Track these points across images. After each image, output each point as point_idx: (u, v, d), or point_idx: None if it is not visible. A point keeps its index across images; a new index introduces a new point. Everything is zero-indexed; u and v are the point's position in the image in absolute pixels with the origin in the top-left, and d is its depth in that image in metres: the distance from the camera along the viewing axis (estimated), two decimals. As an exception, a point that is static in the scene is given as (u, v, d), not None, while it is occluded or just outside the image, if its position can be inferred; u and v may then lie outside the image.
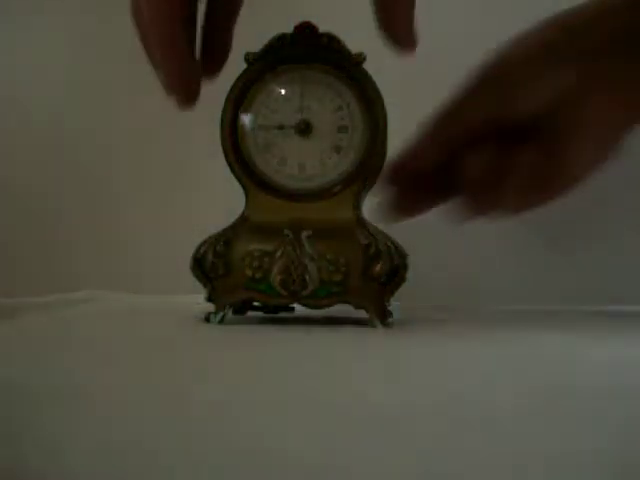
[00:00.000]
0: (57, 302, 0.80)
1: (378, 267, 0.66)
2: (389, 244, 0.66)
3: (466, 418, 0.35)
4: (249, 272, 0.67)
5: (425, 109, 1.04)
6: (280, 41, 0.68)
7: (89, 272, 1.08)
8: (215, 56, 0.64)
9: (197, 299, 0.72)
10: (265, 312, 0.71)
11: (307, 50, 0.68)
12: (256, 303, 0.69)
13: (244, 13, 1.07)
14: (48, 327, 0.63)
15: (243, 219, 0.68)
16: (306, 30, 0.68)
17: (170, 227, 1.08)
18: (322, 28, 0.68)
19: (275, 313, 0.71)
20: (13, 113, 1.14)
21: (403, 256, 0.66)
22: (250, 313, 0.71)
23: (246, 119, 0.69)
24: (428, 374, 0.46)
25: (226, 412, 0.35)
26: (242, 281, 0.67)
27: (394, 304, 0.68)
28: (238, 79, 0.68)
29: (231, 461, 0.29)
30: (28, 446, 0.29)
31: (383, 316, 0.66)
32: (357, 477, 0.28)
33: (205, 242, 0.68)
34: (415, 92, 1.02)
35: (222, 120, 0.68)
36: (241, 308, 0.70)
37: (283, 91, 0.68)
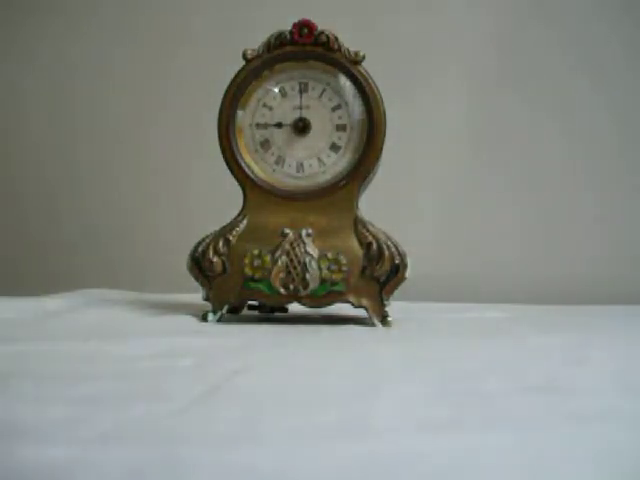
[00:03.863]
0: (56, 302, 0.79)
1: (379, 266, 0.66)
2: (389, 243, 0.66)
3: (466, 416, 0.35)
4: (249, 271, 0.66)
5: (424, 108, 1.04)
6: (278, 39, 0.67)
7: (89, 272, 1.08)
8: None
9: (194, 298, 0.72)
10: (260, 312, 0.70)
11: (305, 48, 0.67)
12: (251, 302, 0.69)
13: (243, 10, 1.07)
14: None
15: (241, 218, 0.68)
16: (304, 28, 0.67)
17: (168, 226, 1.07)
18: (321, 26, 0.68)
19: (270, 312, 0.71)
20: (12, 114, 1.14)
21: (403, 256, 0.66)
22: (244, 312, 0.71)
23: (243, 117, 0.68)
24: (427, 373, 0.45)
25: (224, 406, 0.35)
26: (241, 280, 0.67)
27: (393, 303, 0.68)
28: (235, 76, 0.68)
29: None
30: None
31: (382, 315, 0.66)
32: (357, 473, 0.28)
33: (203, 241, 0.68)
34: (414, 91, 1.02)
35: (219, 118, 0.68)
36: (236, 307, 0.69)
37: (281, 89, 0.68)
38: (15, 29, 1.13)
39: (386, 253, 0.66)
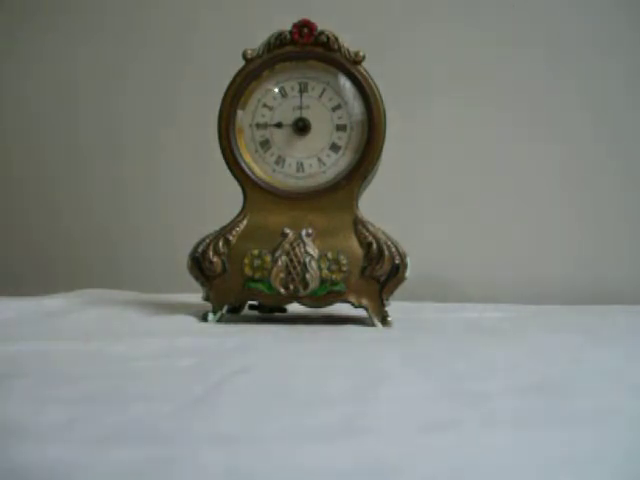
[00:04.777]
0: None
1: (379, 266, 0.66)
2: (389, 243, 0.66)
3: (466, 416, 0.35)
4: (249, 271, 0.67)
5: (425, 108, 1.04)
6: (278, 39, 0.67)
7: (89, 272, 1.08)
8: None
9: (194, 298, 0.72)
10: (260, 312, 0.70)
11: (305, 48, 0.67)
12: (252, 302, 0.69)
13: (243, 10, 1.07)
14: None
15: (241, 218, 0.68)
16: (305, 28, 0.67)
17: (168, 227, 1.07)
18: (321, 26, 0.68)
19: (270, 312, 0.71)
20: (15, 114, 1.14)
21: (403, 256, 0.66)
22: (244, 312, 0.71)
23: (243, 117, 0.69)
24: (427, 373, 0.45)
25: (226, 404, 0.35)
26: (241, 280, 0.67)
27: (393, 303, 0.68)
28: (235, 76, 0.68)
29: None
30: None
31: (382, 315, 0.66)
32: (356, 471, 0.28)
33: (202, 241, 0.68)
34: (414, 92, 1.02)
35: (219, 118, 0.68)
36: (235, 307, 0.70)
37: (281, 89, 0.68)
38: (18, 30, 1.13)
39: (386, 253, 0.66)
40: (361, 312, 0.67)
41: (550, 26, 1.01)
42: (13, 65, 1.14)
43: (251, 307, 0.70)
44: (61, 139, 1.13)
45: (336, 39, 0.67)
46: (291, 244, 0.66)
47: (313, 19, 0.68)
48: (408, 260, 0.66)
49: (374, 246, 0.66)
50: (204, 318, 0.67)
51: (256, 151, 0.68)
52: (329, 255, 0.66)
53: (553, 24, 1.02)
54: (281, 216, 0.67)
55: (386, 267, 0.66)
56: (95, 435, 0.30)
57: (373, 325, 0.65)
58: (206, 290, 0.68)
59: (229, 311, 0.68)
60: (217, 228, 0.68)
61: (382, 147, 0.67)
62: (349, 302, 0.66)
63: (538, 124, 1.02)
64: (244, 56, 0.68)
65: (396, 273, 0.66)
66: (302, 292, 0.66)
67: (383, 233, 0.67)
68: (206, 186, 1.05)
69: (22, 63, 1.14)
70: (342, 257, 0.66)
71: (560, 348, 0.55)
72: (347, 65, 0.67)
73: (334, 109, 0.68)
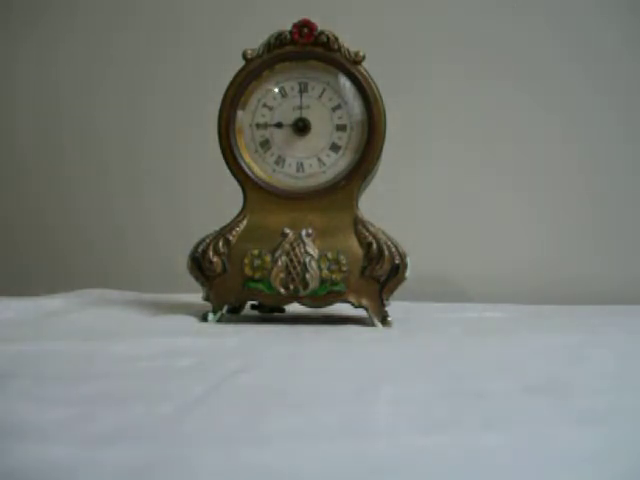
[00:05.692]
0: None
1: (379, 266, 0.66)
2: (389, 243, 0.66)
3: (466, 416, 0.35)
4: (249, 271, 0.67)
5: (425, 109, 1.04)
6: (278, 39, 0.67)
7: (89, 272, 1.08)
8: None
9: (194, 298, 0.72)
10: (260, 312, 0.71)
11: (305, 48, 0.67)
12: (252, 302, 0.69)
13: (243, 10, 1.07)
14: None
15: (241, 218, 0.68)
16: (305, 28, 0.67)
17: (169, 227, 1.07)
18: (321, 26, 0.68)
19: (270, 312, 0.71)
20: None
21: (403, 256, 0.66)
22: (245, 312, 0.71)
23: (243, 117, 0.69)
24: (427, 373, 0.45)
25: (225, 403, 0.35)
26: (241, 280, 0.67)
27: (393, 303, 0.68)
28: (235, 76, 0.68)
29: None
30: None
31: (382, 315, 0.66)
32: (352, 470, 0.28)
33: (203, 241, 0.68)
34: (414, 92, 1.02)
35: (219, 118, 0.68)
36: (235, 307, 0.70)
37: (281, 89, 0.68)
38: (24, 35, 1.13)
39: (386, 253, 0.66)
40: (361, 312, 0.67)
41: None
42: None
43: (253, 307, 0.70)
44: (61, 139, 1.13)
45: (336, 39, 0.67)
46: (291, 244, 0.66)
47: (313, 19, 0.68)
48: (408, 260, 0.66)
49: (374, 246, 0.66)
50: (204, 318, 0.67)
51: (256, 151, 0.69)
52: (329, 255, 0.66)
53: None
54: (281, 216, 0.67)
55: (386, 267, 0.66)
56: (95, 435, 0.30)
57: (373, 325, 0.65)
58: (206, 290, 0.68)
59: (229, 311, 0.69)
60: (217, 228, 0.68)
61: (382, 147, 0.67)
62: (349, 302, 0.66)
63: (539, 124, 1.02)
64: (244, 56, 0.68)
65: (396, 273, 0.66)
66: (302, 292, 0.66)
67: (383, 233, 0.67)
68: (206, 186, 1.05)
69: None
70: (342, 257, 0.66)
71: (560, 348, 0.55)
72: (347, 65, 0.67)
73: (334, 109, 0.68)
